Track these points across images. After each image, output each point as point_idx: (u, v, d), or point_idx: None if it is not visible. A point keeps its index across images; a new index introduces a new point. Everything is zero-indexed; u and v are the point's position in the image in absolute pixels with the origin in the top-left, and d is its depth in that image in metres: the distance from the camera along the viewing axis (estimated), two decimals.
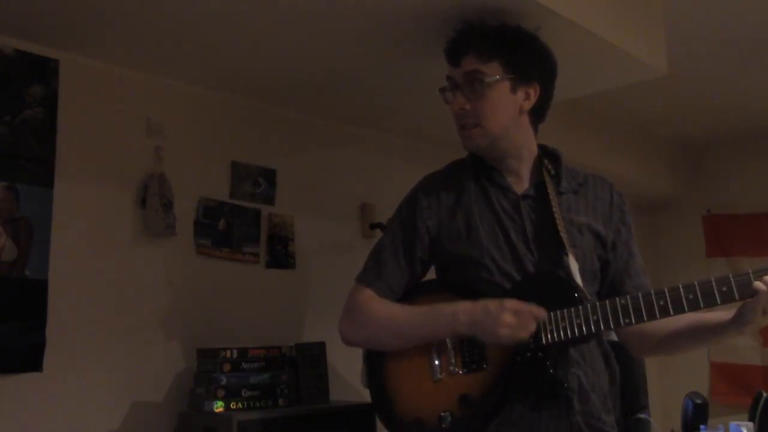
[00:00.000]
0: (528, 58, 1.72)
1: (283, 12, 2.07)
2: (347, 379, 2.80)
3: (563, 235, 1.62)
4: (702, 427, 2.47)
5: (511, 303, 1.54)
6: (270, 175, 2.88)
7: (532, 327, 1.53)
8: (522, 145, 1.73)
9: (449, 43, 1.78)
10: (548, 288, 1.59)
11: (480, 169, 1.73)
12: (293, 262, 2.92)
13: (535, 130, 1.77)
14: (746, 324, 1.46)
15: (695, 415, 2.54)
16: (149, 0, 2.00)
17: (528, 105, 1.71)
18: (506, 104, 1.68)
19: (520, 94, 1.70)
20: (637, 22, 2.43)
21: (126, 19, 2.12)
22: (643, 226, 4.89)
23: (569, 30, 2.10)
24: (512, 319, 1.52)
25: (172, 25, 2.15)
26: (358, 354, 1.82)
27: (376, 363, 1.71)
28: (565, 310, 1.54)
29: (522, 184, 1.72)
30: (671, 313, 1.47)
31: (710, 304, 1.45)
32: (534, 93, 1.71)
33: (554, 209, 1.65)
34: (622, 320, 1.51)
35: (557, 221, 1.63)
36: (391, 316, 1.66)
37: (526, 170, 1.73)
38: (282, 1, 2.01)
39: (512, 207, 1.68)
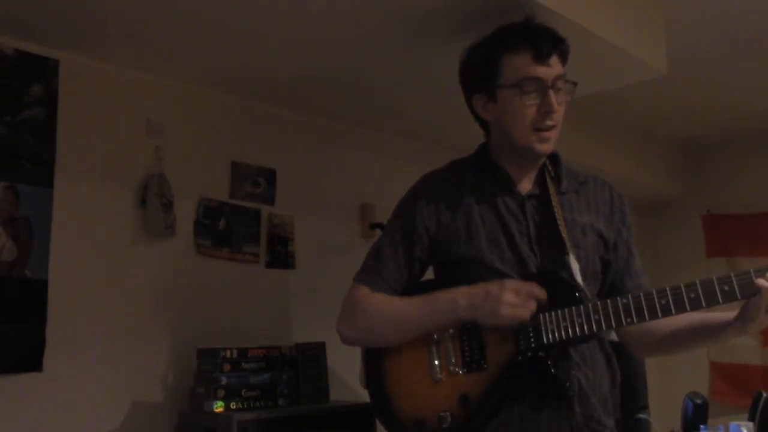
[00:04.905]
0: None
1: (283, 12, 2.07)
2: (347, 379, 2.80)
3: (565, 235, 1.62)
4: (702, 427, 2.46)
5: (511, 282, 1.53)
6: (270, 175, 2.88)
7: (533, 306, 1.51)
8: None
9: (536, 37, 1.64)
10: (549, 287, 1.58)
11: (483, 168, 1.72)
12: (293, 262, 2.92)
13: None
14: (749, 323, 1.46)
15: (695, 415, 2.53)
16: (149, 0, 2.00)
17: None
18: None
19: None
20: (637, 22, 2.43)
21: (126, 19, 2.12)
22: (643, 226, 4.89)
23: (569, 30, 2.07)
24: (513, 298, 1.51)
25: (172, 25, 2.15)
26: (357, 354, 1.82)
27: (374, 363, 1.70)
28: (566, 310, 1.53)
29: (524, 185, 1.71)
30: (673, 312, 1.47)
31: (712, 303, 1.44)
32: None
33: (556, 209, 1.64)
34: (624, 319, 1.50)
35: (558, 222, 1.63)
36: (390, 307, 1.65)
37: (528, 171, 1.72)
38: (282, 2, 2.01)
39: (518, 207, 1.67)
